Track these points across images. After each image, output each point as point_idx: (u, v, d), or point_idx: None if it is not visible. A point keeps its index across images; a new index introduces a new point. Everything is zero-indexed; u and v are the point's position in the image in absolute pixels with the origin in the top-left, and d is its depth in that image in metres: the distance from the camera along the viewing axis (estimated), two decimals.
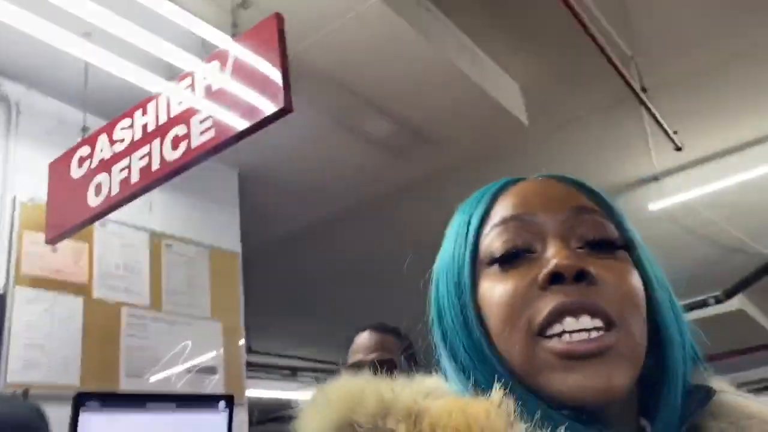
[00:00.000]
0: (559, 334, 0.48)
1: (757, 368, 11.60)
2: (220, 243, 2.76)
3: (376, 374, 1.55)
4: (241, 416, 2.53)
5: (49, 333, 2.05)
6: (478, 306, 0.53)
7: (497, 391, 0.46)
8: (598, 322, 0.48)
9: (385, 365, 1.64)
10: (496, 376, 0.49)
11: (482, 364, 0.52)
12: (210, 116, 1.63)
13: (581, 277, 0.49)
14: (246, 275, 2.87)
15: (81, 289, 2.20)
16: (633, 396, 0.51)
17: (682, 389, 0.52)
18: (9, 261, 2.03)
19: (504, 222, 0.54)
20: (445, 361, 0.55)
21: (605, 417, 0.48)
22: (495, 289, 0.52)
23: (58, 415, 1.95)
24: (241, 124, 1.58)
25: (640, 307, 0.51)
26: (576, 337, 0.48)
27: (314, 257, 4.70)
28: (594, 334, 0.48)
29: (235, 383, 2.62)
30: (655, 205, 4.16)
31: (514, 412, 0.45)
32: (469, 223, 0.57)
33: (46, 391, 1.98)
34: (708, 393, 0.53)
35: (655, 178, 4.13)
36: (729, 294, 6.07)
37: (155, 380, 2.29)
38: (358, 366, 1.63)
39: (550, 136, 3.49)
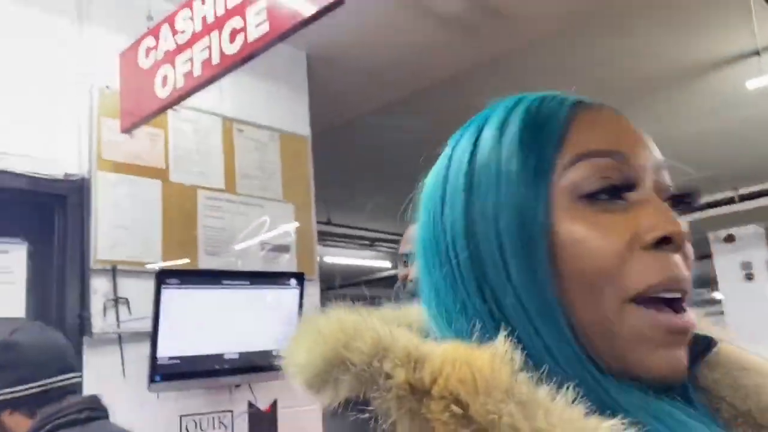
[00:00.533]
0: (664, 310, 0.44)
1: None
2: (290, 127, 2.80)
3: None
4: (312, 291, 2.68)
5: (132, 215, 2.20)
6: (550, 242, 0.45)
7: (502, 339, 0.42)
8: (679, 297, 0.44)
9: None
10: (556, 331, 0.43)
11: (538, 309, 0.44)
12: (265, 8, 1.60)
13: (682, 245, 0.45)
14: (322, 153, 2.92)
15: (159, 173, 2.32)
16: None
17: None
18: (90, 147, 2.15)
19: (599, 154, 0.46)
20: (460, 296, 0.47)
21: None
22: (585, 233, 0.44)
23: (143, 289, 2.16)
24: (296, 16, 1.55)
25: None
26: (682, 319, 0.44)
27: (389, 136, 4.70)
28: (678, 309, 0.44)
29: (307, 261, 2.75)
30: (753, 83, 3.83)
31: (519, 362, 0.41)
32: (539, 131, 0.48)
33: (132, 267, 2.17)
34: (709, 344, 0.51)
35: (757, 53, 3.77)
36: None
37: (231, 259, 2.45)
38: (410, 255, 1.68)
39: (640, 11, 3.21)
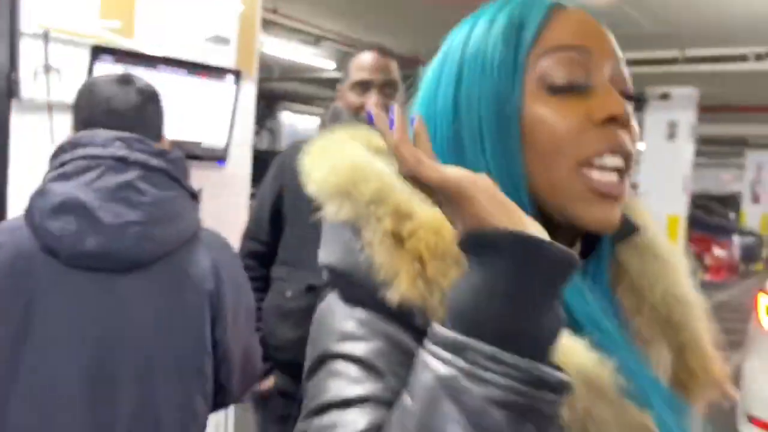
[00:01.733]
0: (598, 169, 0.55)
1: None
2: None
3: (380, 94, 1.67)
4: (248, 89, 2.68)
5: None
6: (521, 122, 0.56)
7: None
8: (622, 163, 0.56)
9: (389, 87, 1.71)
10: (517, 196, 0.53)
11: (505, 177, 0.54)
12: None
13: (627, 124, 0.56)
14: None
15: None
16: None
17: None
18: None
19: (567, 49, 0.56)
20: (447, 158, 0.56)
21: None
22: (549, 115, 0.55)
23: (76, 60, 2.10)
24: None
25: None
26: (607, 177, 0.55)
27: None
28: (617, 178, 0.55)
29: (247, 55, 2.71)
30: None
31: None
32: (520, 29, 0.57)
33: (66, 36, 2.09)
34: (633, 229, 0.64)
35: None
36: None
37: (169, 44, 2.38)
38: (365, 84, 1.68)
39: None
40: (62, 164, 1.13)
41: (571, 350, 0.51)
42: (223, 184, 2.62)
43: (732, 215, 12.88)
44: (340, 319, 0.56)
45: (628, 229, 0.63)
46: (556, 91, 0.55)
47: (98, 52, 2.05)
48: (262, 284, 1.82)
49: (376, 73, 1.68)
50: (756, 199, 13.39)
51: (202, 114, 2.41)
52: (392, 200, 0.54)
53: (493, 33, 0.58)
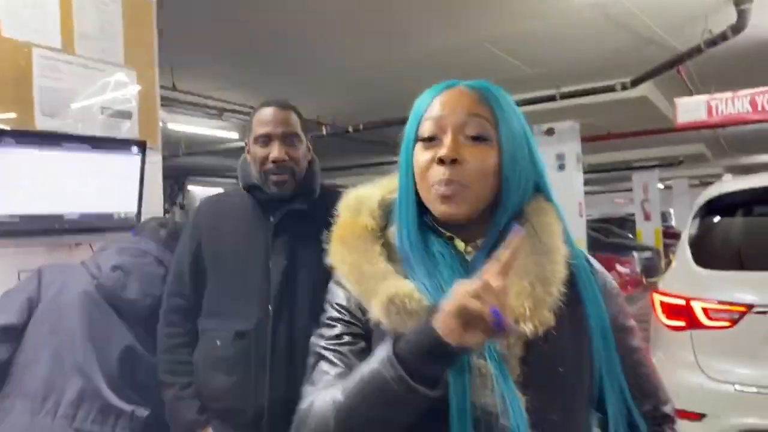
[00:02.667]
0: (437, 188, 0.95)
1: (656, 147, 12.61)
2: None
3: (282, 144, 1.99)
4: (154, 159, 2.77)
5: None
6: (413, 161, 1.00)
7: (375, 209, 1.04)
8: (458, 186, 0.94)
9: (291, 137, 1.85)
10: (412, 203, 1.00)
11: (407, 199, 1.01)
12: None
13: (455, 161, 0.93)
14: (168, 13, 2.88)
15: None
16: (481, 221, 0.98)
17: (508, 219, 0.97)
18: None
19: (429, 119, 0.98)
20: (401, 175, 1.02)
21: (464, 227, 0.98)
22: (419, 156, 0.98)
23: None
24: None
25: (485, 177, 0.95)
26: (443, 189, 0.94)
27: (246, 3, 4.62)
28: (454, 187, 0.94)
29: (149, 128, 2.80)
30: None
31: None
32: (417, 113, 1.01)
33: None
34: (519, 220, 0.98)
35: None
36: (636, 82, 6.44)
37: (69, 121, 2.45)
38: (266, 137, 1.78)
39: None
40: None
41: (401, 284, 0.91)
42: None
43: (630, 235, 13.71)
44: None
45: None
46: (423, 142, 0.98)
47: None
48: (189, 338, 1.85)
49: (276, 126, 1.79)
50: (647, 216, 14.35)
51: (111, 186, 2.47)
52: (369, 207, 1.06)
53: (413, 113, 1.02)
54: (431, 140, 0.97)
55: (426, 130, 0.97)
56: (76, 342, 1.62)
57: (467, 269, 0.94)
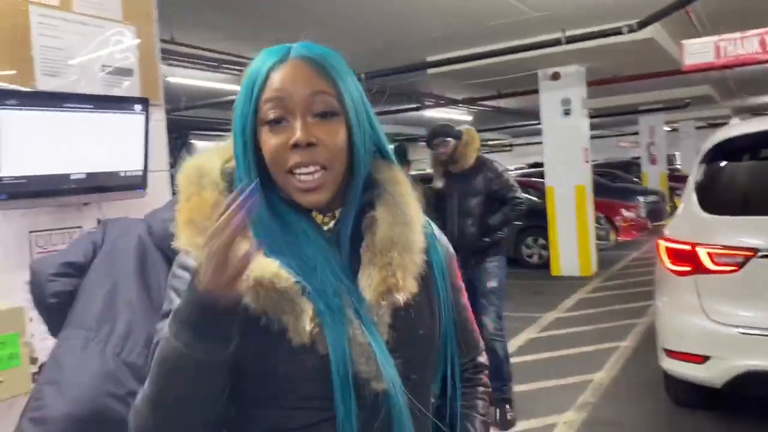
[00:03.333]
0: (298, 175, 0.92)
1: (663, 90, 12.46)
2: None
3: None
4: (157, 115, 2.75)
5: None
6: (257, 144, 0.94)
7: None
8: (317, 168, 0.91)
9: None
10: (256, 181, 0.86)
11: (247, 173, 0.94)
12: None
13: (310, 144, 0.90)
14: None
15: None
16: (339, 195, 0.96)
17: (361, 189, 0.98)
18: None
19: (271, 99, 0.92)
20: (237, 152, 0.96)
21: (322, 209, 0.97)
22: (268, 141, 0.92)
23: None
24: None
25: (341, 153, 0.93)
26: (305, 178, 0.91)
27: None
28: (316, 175, 0.91)
29: (151, 84, 2.78)
30: None
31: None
32: (252, 90, 0.93)
33: None
34: (374, 187, 1.00)
35: None
36: (643, 24, 6.31)
37: (71, 80, 2.43)
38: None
39: None
40: None
41: (265, 264, 0.87)
42: (144, 210, 2.67)
43: (635, 179, 13.68)
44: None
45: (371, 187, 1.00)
46: (269, 125, 0.92)
47: (2, 96, 2.09)
48: None
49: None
50: (653, 160, 14.29)
51: (116, 145, 2.47)
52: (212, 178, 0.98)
53: (244, 86, 0.94)
54: (278, 123, 0.91)
55: (270, 112, 0.91)
56: (129, 281, 1.74)
57: (329, 241, 0.96)
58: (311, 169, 0.91)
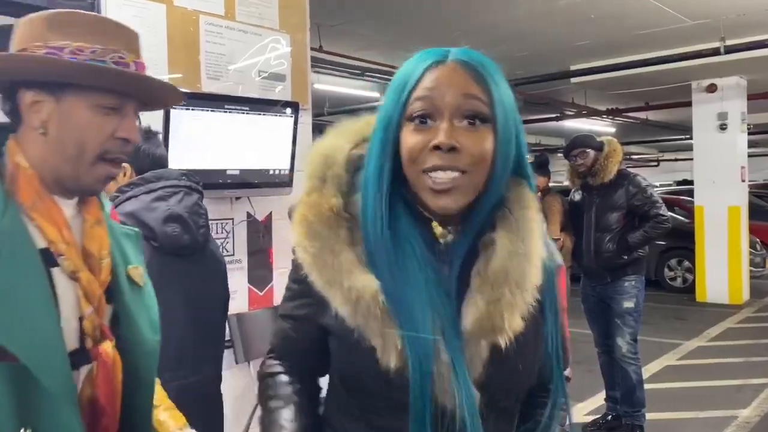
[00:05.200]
0: (433, 177, 0.88)
1: None
2: None
3: None
4: (305, 119, 2.92)
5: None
6: (396, 140, 0.91)
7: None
8: (456, 173, 0.87)
9: None
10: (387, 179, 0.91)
11: (380, 167, 0.91)
12: None
13: (453, 149, 0.86)
14: None
15: None
16: (464, 209, 0.91)
17: (491, 205, 0.92)
18: None
19: (421, 98, 0.89)
20: (373, 153, 0.93)
21: (450, 216, 0.91)
22: (409, 138, 0.89)
23: (151, 113, 2.36)
24: None
25: (484, 162, 0.88)
26: (440, 180, 0.87)
27: None
28: (453, 175, 0.87)
29: (300, 89, 2.96)
30: None
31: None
32: (405, 86, 0.91)
33: None
34: (501, 210, 0.95)
35: None
36: None
37: (230, 83, 2.64)
38: None
39: None
40: (153, 190, 1.76)
41: (367, 282, 0.87)
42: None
43: None
44: None
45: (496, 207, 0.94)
46: (414, 122, 0.89)
47: None
48: None
49: None
50: None
51: (267, 145, 2.65)
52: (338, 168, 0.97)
53: (396, 82, 0.93)
54: (423, 122, 0.88)
55: (417, 109, 0.88)
56: None
57: (439, 255, 0.92)
58: (449, 173, 0.87)
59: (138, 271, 1.08)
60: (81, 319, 0.95)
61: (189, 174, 1.90)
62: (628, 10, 5.82)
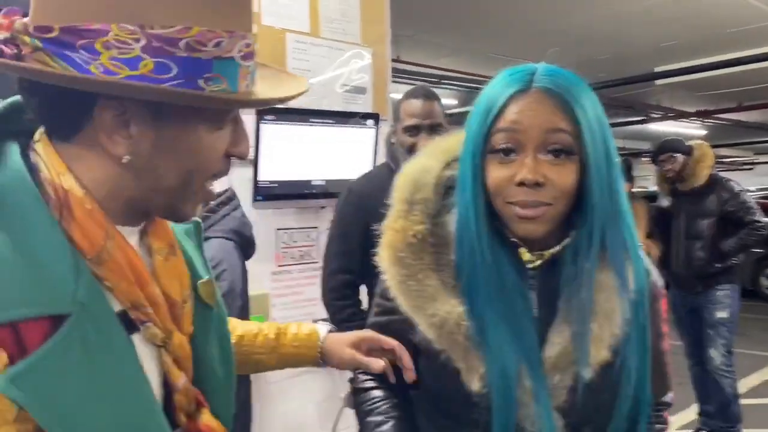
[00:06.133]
0: (517, 208, 0.89)
1: None
2: None
3: (428, 133, 2.06)
4: (385, 129, 2.98)
5: None
6: (483, 169, 0.92)
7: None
8: (542, 207, 0.88)
9: (436, 127, 1.97)
10: (479, 210, 0.93)
11: (474, 199, 0.93)
12: None
13: (537, 184, 0.87)
14: None
15: (253, 17, 2.57)
16: (554, 234, 0.93)
17: (581, 236, 0.93)
18: None
19: (504, 130, 0.90)
20: (464, 177, 0.94)
21: (536, 241, 0.93)
22: (494, 171, 0.91)
23: (245, 120, 2.49)
24: None
25: (568, 195, 0.89)
26: (523, 213, 0.89)
27: None
28: (537, 209, 0.88)
29: (380, 101, 3.02)
30: None
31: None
32: (488, 115, 0.92)
33: None
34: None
35: None
36: None
37: (315, 98, 2.74)
38: (415, 128, 2.00)
39: None
40: (237, 207, 1.76)
41: (453, 306, 0.91)
42: None
43: None
44: None
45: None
46: (498, 156, 0.90)
47: (262, 112, 2.43)
48: (358, 308, 2.10)
49: (423, 118, 1.99)
50: None
51: (350, 156, 2.73)
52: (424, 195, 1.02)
53: (479, 108, 0.93)
54: (507, 154, 0.89)
55: (500, 141, 0.89)
56: None
57: (527, 280, 0.94)
58: (527, 212, 0.89)
59: (209, 287, 0.82)
60: (169, 392, 0.73)
61: None
62: (717, 9, 5.58)
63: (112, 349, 0.62)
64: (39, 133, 0.67)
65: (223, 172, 0.73)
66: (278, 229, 2.63)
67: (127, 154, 0.64)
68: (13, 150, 0.64)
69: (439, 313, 0.91)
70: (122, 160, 0.64)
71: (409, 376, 1.00)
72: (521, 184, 0.87)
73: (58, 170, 0.63)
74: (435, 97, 2.04)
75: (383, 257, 0.98)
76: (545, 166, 0.88)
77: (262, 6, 2.59)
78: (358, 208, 2.08)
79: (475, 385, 0.89)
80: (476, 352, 0.89)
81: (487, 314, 0.90)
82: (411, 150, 1.97)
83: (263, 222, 2.58)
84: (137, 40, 0.59)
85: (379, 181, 2.09)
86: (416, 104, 2.01)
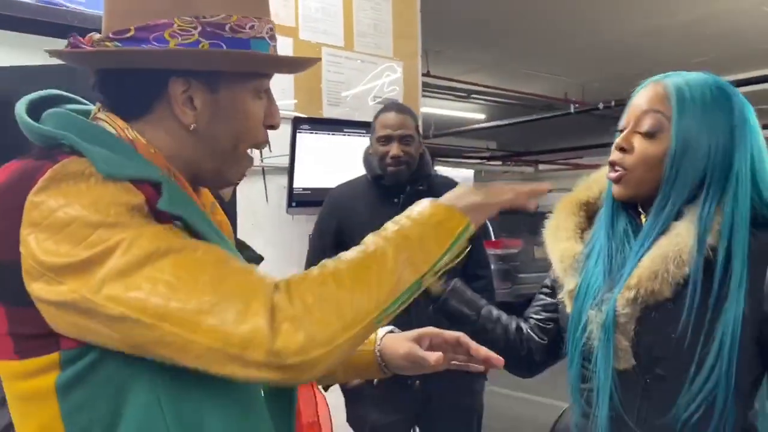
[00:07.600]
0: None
1: None
2: None
3: (399, 144, 2.15)
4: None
5: None
6: None
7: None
8: (621, 170, 1.09)
9: (407, 138, 2.08)
10: None
11: None
12: None
13: (622, 149, 1.08)
14: (427, 7, 3.17)
15: (290, 32, 2.69)
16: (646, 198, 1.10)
17: (670, 206, 1.07)
18: None
19: (625, 113, 1.13)
20: None
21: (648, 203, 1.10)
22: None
23: (281, 131, 2.60)
24: None
25: (650, 166, 1.06)
26: (612, 173, 1.11)
27: None
28: (619, 171, 1.09)
29: None
30: None
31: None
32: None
33: None
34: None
35: None
36: None
37: (347, 110, 2.85)
38: (387, 138, 2.12)
39: None
40: None
41: (569, 245, 1.19)
42: None
43: None
44: None
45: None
46: (619, 130, 1.13)
47: (298, 122, 2.55)
48: None
49: (395, 129, 2.12)
50: None
51: None
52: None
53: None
54: (622, 130, 1.10)
55: (621, 120, 1.12)
56: None
57: (638, 233, 1.12)
58: (617, 168, 1.10)
59: (242, 243, 0.95)
60: None
61: None
62: (749, 24, 5.59)
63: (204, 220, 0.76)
64: (96, 109, 0.80)
65: (263, 142, 0.85)
66: (310, 235, 2.72)
67: (194, 122, 0.78)
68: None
69: (561, 249, 1.18)
70: (190, 128, 0.78)
71: (493, 360, 1.02)
72: (617, 147, 1.12)
73: (122, 127, 0.77)
74: (408, 112, 2.19)
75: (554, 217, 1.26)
76: (636, 138, 1.10)
77: (300, 22, 2.71)
78: (332, 209, 2.26)
79: (567, 300, 1.15)
80: (573, 274, 1.14)
81: (600, 254, 1.12)
82: (383, 158, 2.12)
83: (297, 227, 2.68)
84: (195, 28, 0.74)
85: (353, 187, 2.29)
86: (389, 116, 2.15)
